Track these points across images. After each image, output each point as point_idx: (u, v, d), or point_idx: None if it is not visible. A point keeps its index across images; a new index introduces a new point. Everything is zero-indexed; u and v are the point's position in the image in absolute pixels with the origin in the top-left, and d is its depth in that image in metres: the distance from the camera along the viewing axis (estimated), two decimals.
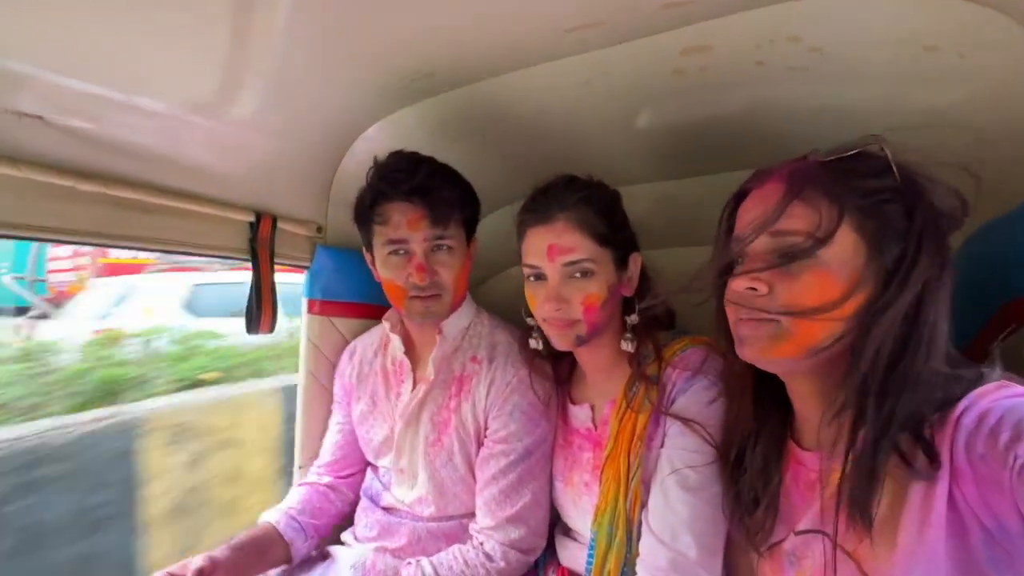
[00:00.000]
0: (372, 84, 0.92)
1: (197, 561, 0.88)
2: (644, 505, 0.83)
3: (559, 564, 0.98)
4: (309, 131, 1.03)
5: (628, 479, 0.84)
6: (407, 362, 1.09)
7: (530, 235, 0.89)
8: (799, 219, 0.59)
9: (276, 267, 1.13)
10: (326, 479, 1.18)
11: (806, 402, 0.68)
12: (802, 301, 0.59)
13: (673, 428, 0.83)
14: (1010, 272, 0.73)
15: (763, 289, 0.61)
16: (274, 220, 1.10)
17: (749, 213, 0.65)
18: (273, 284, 1.10)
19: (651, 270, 0.96)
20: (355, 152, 1.12)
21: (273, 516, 1.08)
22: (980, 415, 0.51)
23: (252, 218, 1.07)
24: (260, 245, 1.08)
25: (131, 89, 0.78)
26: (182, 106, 0.84)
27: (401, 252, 0.98)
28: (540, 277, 0.88)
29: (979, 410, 0.52)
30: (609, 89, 0.90)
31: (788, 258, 0.60)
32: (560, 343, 0.89)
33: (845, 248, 0.58)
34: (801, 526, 0.66)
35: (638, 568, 0.80)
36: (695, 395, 0.83)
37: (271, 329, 1.10)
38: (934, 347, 0.56)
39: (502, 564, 0.93)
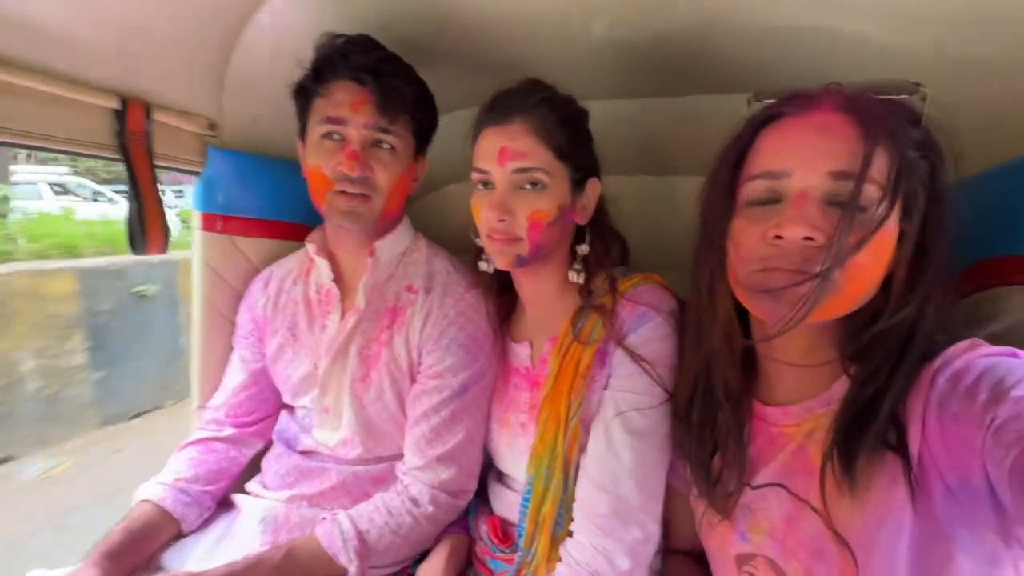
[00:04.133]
0: None
1: None
2: (583, 447, 0.80)
3: (491, 513, 0.94)
4: None
5: (568, 419, 0.80)
6: (335, 290, 0.96)
7: (484, 136, 0.80)
8: (872, 166, 0.52)
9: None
10: (227, 431, 1.01)
11: (787, 356, 0.64)
12: (860, 257, 0.52)
13: (620, 368, 0.79)
14: (996, 227, 0.69)
15: (820, 240, 0.52)
16: (148, 109, 0.85)
17: (801, 144, 0.55)
18: (157, 192, 0.87)
19: (609, 200, 0.88)
20: (258, 26, 0.88)
21: (155, 492, 0.89)
22: (955, 374, 0.50)
23: (116, 104, 0.81)
24: (131, 140, 0.83)
25: None
26: None
27: (336, 136, 0.86)
28: (488, 184, 0.80)
29: (953, 369, 0.51)
30: None
31: (855, 209, 0.51)
32: (499, 260, 0.82)
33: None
34: (758, 480, 0.65)
35: (575, 513, 0.77)
36: (648, 333, 0.78)
37: (163, 248, 0.88)
38: (937, 308, 0.55)
39: (430, 508, 0.87)
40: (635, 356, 0.77)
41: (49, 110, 0.75)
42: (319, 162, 0.86)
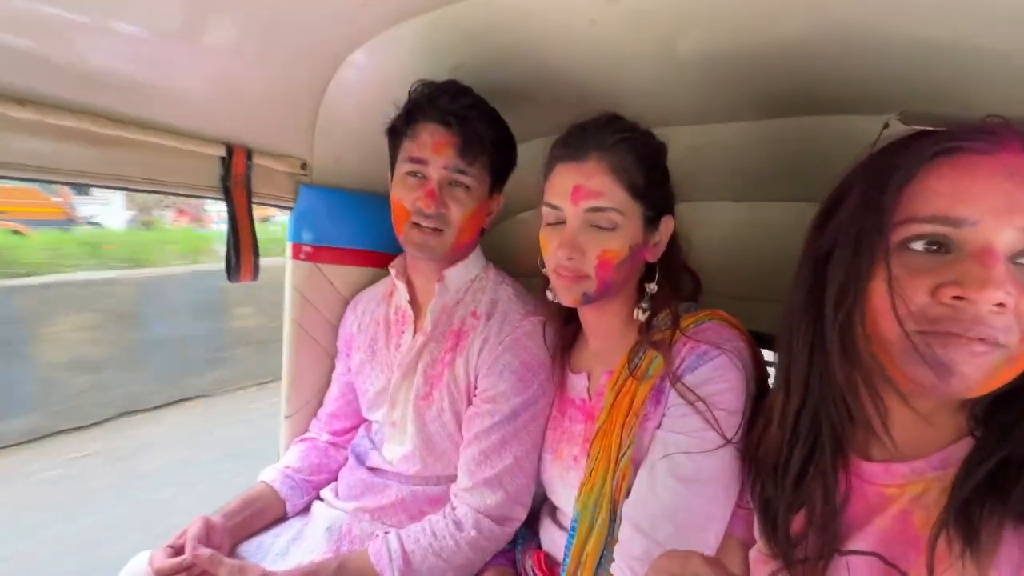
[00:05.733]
0: None
1: (194, 529, 0.88)
2: (631, 487, 0.76)
3: (538, 547, 0.93)
4: (286, 53, 0.88)
5: (618, 457, 0.76)
6: (410, 311, 1.04)
7: (557, 172, 0.80)
8: None
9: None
10: (324, 436, 1.16)
11: (909, 410, 0.55)
12: None
13: (674, 408, 0.74)
14: None
15: (1010, 306, 0.45)
16: (249, 154, 0.98)
17: (991, 190, 0.46)
18: (252, 227, 1.00)
19: (683, 237, 0.84)
20: (342, 80, 0.98)
21: (269, 475, 1.08)
22: None
23: (223, 152, 0.94)
24: (234, 183, 0.96)
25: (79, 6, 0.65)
26: (140, 25, 0.71)
27: (418, 175, 0.93)
28: (559, 221, 0.79)
29: None
30: (639, 6, 0.72)
31: None
32: (566, 297, 0.81)
33: None
34: (849, 546, 0.57)
35: (615, 555, 0.74)
36: (707, 373, 0.73)
37: (254, 276, 1.01)
38: None
39: (472, 533, 0.88)
40: (691, 396, 0.72)
41: (165, 159, 0.89)
42: (401, 196, 0.94)
